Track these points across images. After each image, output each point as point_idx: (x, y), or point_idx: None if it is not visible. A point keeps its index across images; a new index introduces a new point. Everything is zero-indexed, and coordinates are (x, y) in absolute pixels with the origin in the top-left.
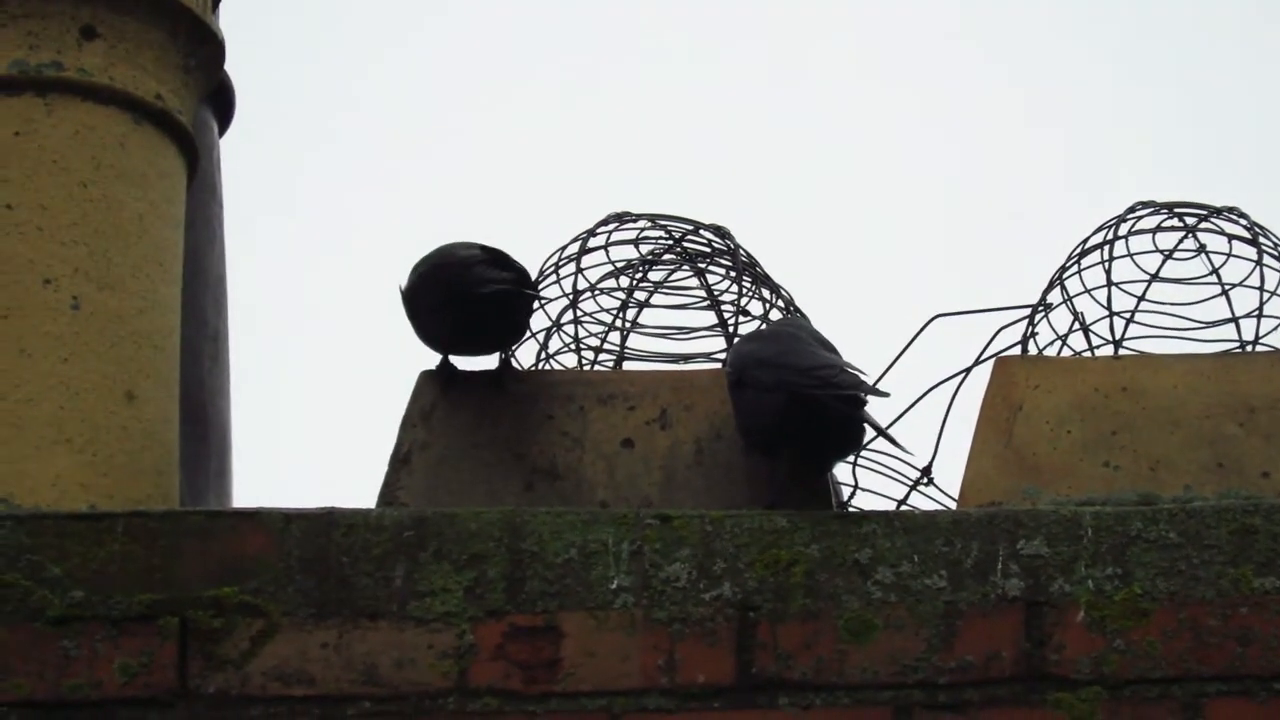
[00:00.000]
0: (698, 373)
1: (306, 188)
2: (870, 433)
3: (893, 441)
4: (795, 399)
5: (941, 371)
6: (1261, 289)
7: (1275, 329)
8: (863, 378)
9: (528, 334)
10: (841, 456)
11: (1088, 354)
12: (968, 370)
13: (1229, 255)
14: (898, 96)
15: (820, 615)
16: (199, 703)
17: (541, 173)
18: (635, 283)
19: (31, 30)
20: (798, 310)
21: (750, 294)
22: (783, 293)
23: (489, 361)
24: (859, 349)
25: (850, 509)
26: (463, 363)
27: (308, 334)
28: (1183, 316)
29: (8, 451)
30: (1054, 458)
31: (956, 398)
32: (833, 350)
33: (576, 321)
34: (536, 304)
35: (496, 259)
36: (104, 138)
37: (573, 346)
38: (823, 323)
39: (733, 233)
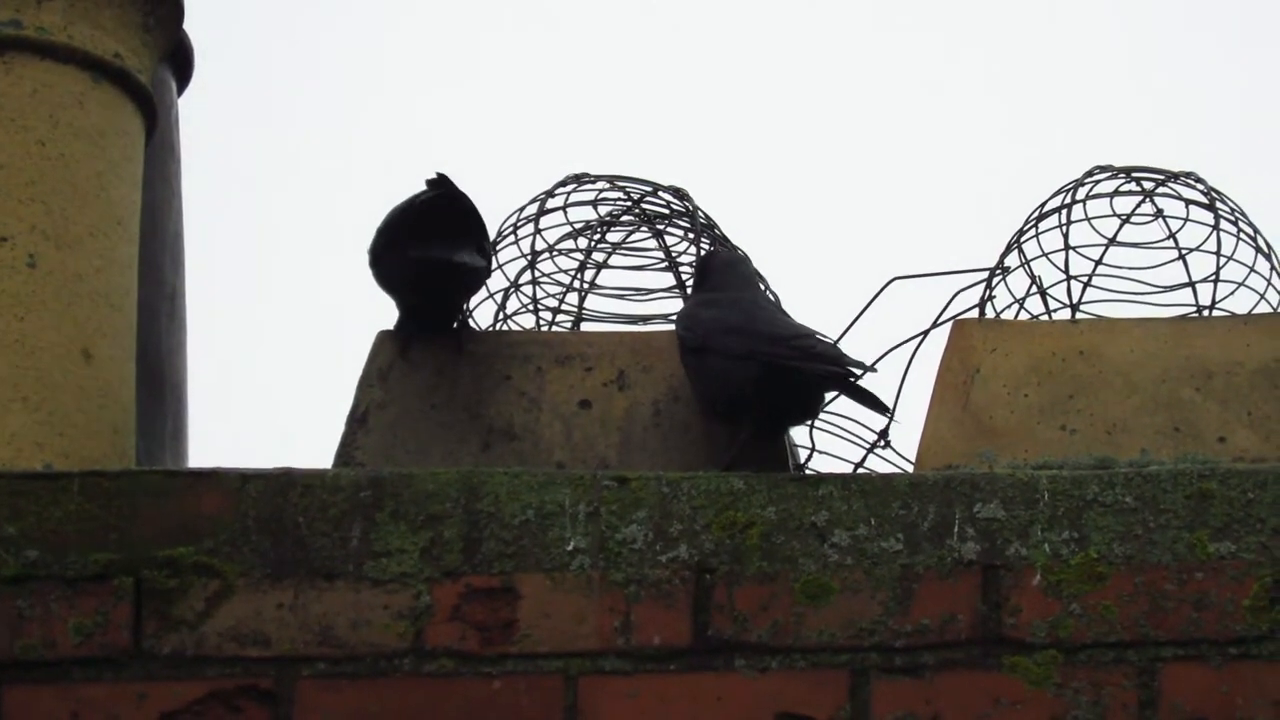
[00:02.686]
0: (656, 334)
1: (264, 146)
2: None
3: (877, 402)
4: (771, 368)
5: (899, 334)
6: (1218, 254)
7: (1231, 294)
8: (840, 348)
9: (485, 287)
10: (800, 422)
11: (1045, 317)
12: (925, 333)
13: (1186, 220)
14: (855, 57)
15: (777, 578)
16: (154, 663)
17: (500, 133)
18: (593, 244)
19: None
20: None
21: None
22: (741, 254)
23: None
24: (817, 310)
25: (807, 471)
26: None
27: (265, 293)
28: (1140, 281)
29: None
30: (1011, 421)
31: (914, 360)
32: (786, 315)
33: (535, 282)
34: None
35: (444, 203)
36: (62, 96)
37: (531, 307)
38: (781, 284)
39: (691, 194)
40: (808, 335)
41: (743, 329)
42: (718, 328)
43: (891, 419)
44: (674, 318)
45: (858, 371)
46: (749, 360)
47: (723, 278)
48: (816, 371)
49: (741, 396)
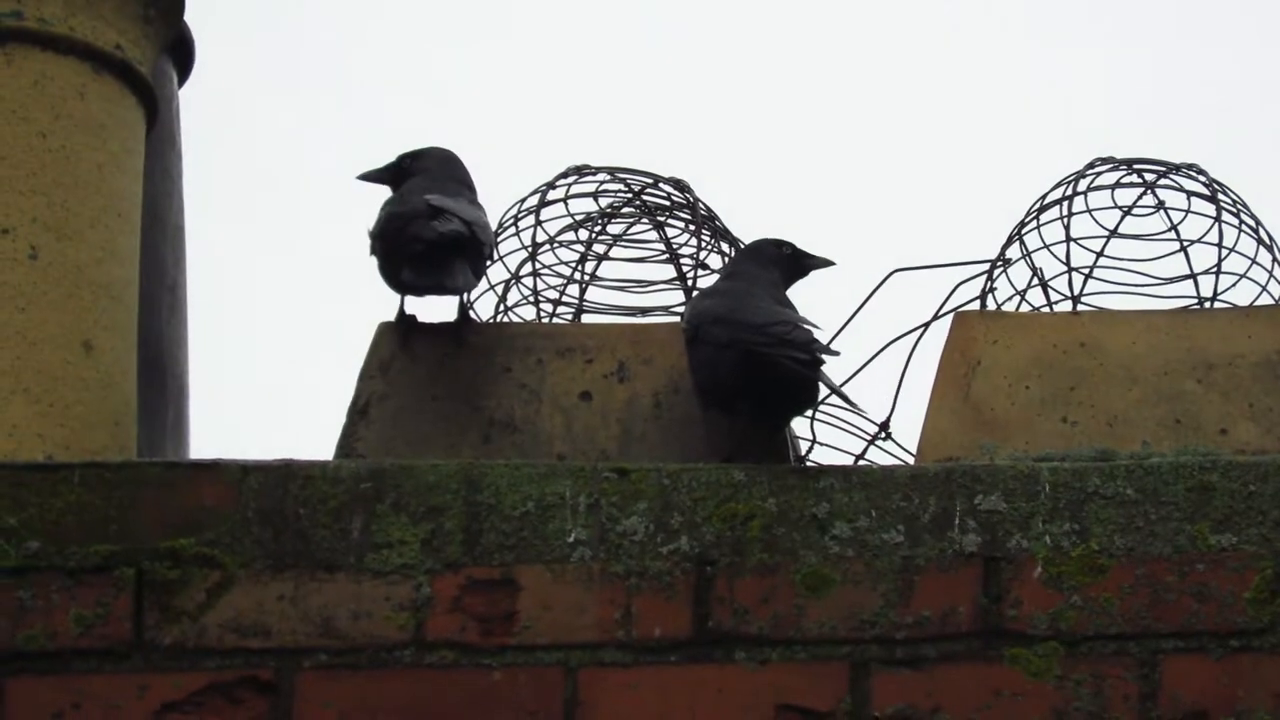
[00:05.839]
0: (656, 326)
1: (265, 138)
2: (824, 390)
3: (846, 400)
4: (749, 355)
5: (900, 326)
6: (1220, 245)
7: (1233, 286)
8: (816, 334)
9: (484, 278)
10: (797, 412)
11: (1046, 309)
12: (926, 325)
13: (1188, 212)
14: (857, 50)
15: (777, 570)
16: (155, 654)
17: (502, 124)
18: (594, 236)
19: None
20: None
21: (709, 247)
22: (741, 246)
23: (449, 312)
24: (818, 303)
25: (808, 464)
26: (424, 308)
27: (266, 284)
28: (1141, 273)
29: None
30: (1012, 413)
31: (915, 353)
32: (787, 302)
33: (535, 274)
34: (488, 250)
35: (437, 214)
36: (63, 88)
37: (531, 299)
38: None
39: (692, 186)
40: (785, 322)
41: (727, 318)
42: (708, 318)
43: (893, 411)
44: (675, 310)
45: (823, 357)
46: (731, 348)
47: (737, 264)
48: (781, 357)
49: (727, 384)
